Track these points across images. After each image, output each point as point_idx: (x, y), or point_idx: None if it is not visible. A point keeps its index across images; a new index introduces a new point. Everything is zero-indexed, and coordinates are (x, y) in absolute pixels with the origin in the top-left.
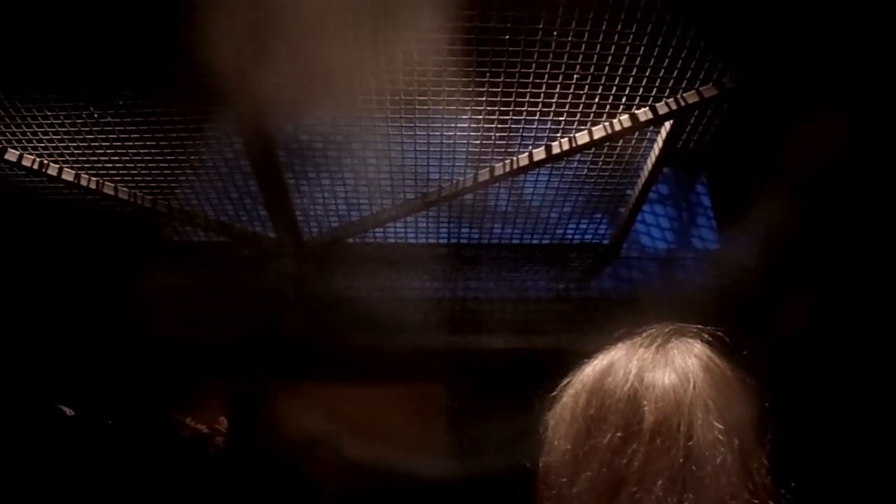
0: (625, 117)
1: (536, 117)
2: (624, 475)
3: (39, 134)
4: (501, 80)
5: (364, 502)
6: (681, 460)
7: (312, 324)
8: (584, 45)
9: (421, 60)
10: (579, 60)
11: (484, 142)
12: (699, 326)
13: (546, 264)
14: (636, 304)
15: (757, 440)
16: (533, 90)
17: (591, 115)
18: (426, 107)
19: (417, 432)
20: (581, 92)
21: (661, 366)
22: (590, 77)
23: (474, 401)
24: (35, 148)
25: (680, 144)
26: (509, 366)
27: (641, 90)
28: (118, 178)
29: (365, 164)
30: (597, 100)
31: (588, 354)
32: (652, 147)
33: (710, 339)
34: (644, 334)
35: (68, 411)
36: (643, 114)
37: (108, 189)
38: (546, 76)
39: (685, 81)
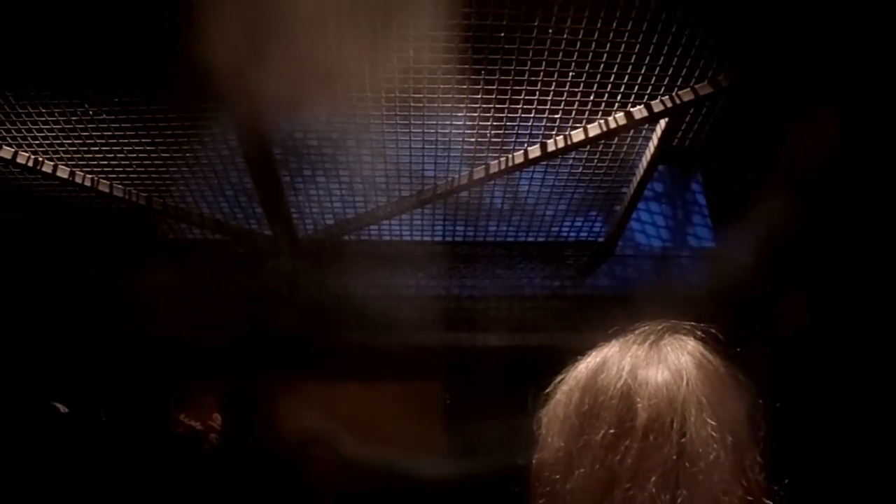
0: (620, 115)
1: (532, 115)
2: (617, 472)
3: (34, 131)
4: (497, 77)
5: (360, 500)
6: (674, 457)
7: (308, 321)
8: (579, 43)
9: (416, 58)
10: (575, 58)
11: (479, 139)
12: (692, 324)
13: (541, 262)
14: (631, 301)
15: (750, 437)
16: (528, 88)
17: (587, 112)
18: (421, 104)
19: (413, 429)
20: (576, 89)
21: (654, 363)
22: (585, 75)
23: (470, 398)
24: (30, 145)
25: (675, 142)
26: (505, 363)
27: (637, 88)
28: (113, 176)
29: (360, 162)
30: (592, 97)
31: (583, 352)
32: (647, 145)
33: (704, 336)
34: (637, 331)
35: (62, 408)
36: (638, 112)
37: (103, 186)
38: (541, 74)
39: (680, 79)
